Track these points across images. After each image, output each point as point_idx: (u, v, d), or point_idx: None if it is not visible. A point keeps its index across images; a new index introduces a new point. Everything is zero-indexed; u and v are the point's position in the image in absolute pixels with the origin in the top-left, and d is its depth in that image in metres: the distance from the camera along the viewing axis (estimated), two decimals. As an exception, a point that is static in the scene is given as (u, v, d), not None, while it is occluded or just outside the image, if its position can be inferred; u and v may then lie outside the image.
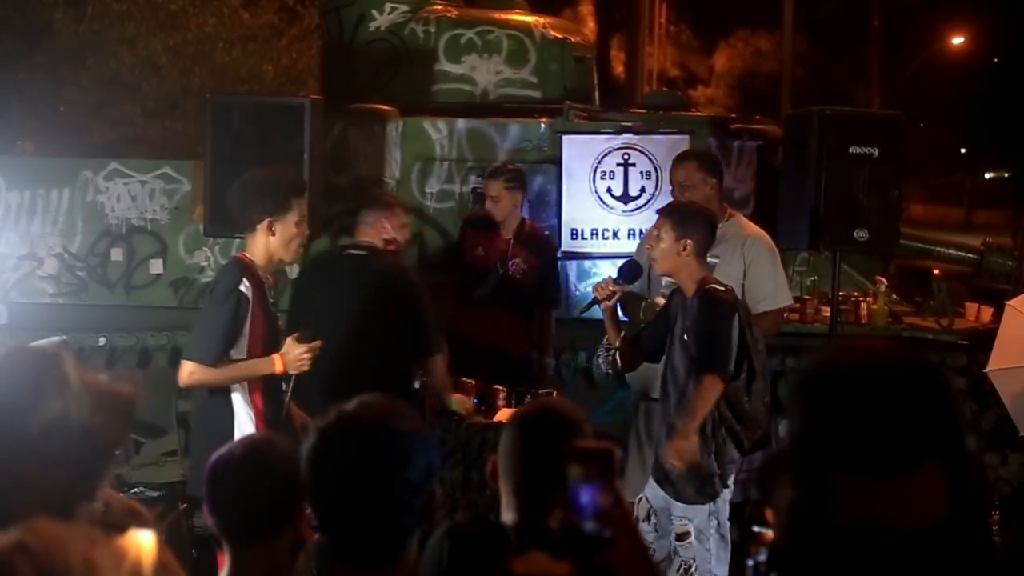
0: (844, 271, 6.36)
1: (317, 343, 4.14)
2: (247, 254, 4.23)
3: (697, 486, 4.31)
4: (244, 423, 4.14)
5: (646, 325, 4.74)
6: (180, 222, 6.71)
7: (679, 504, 4.34)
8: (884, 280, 6.72)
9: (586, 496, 1.82)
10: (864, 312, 6.54)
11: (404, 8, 7.20)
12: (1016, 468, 6.34)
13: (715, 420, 4.30)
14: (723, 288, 4.38)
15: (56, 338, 5.58)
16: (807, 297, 6.56)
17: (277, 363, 4.09)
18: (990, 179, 36.10)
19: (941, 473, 1.61)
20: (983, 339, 5.93)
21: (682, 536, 4.30)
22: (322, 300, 4.93)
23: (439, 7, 7.29)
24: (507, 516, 2.40)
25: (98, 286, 6.71)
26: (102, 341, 6.50)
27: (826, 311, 6.29)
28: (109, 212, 6.72)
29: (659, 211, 4.66)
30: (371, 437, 2.00)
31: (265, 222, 4.17)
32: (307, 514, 2.45)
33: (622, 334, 4.61)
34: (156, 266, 6.69)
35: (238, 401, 4.16)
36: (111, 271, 6.71)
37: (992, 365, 5.31)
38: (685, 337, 4.35)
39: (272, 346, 4.17)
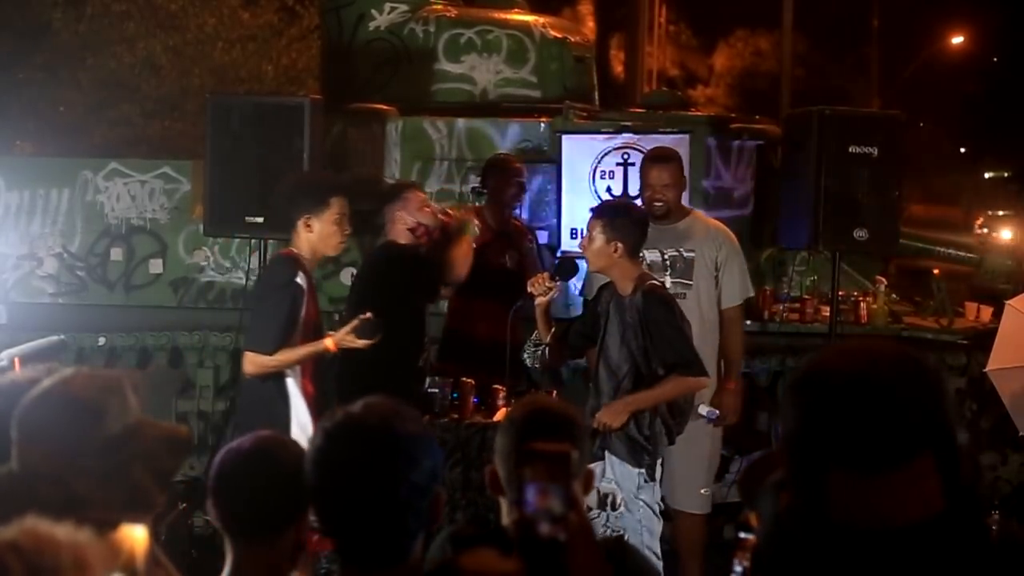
0: (844, 271, 6.36)
1: (356, 324, 4.36)
2: (293, 249, 4.42)
3: (629, 448, 4.39)
4: (299, 409, 4.31)
5: (573, 321, 4.77)
6: (180, 222, 6.71)
7: (615, 461, 4.40)
8: (884, 280, 6.72)
9: (538, 498, 1.81)
10: (864, 312, 6.54)
11: (404, 8, 7.21)
12: (1016, 468, 6.34)
13: (651, 410, 4.40)
14: (660, 283, 4.53)
15: (55, 338, 5.57)
16: (807, 297, 6.56)
17: (328, 342, 4.35)
18: (990, 179, 36.09)
19: (934, 467, 1.62)
20: (983, 339, 5.93)
21: (606, 498, 4.37)
22: None
23: (438, 7, 7.29)
24: (508, 518, 2.40)
25: (98, 286, 6.71)
26: (102, 341, 6.51)
27: (826, 311, 6.29)
28: (109, 212, 6.72)
29: (593, 211, 4.65)
30: (377, 439, 2.00)
31: (303, 219, 4.37)
32: (309, 517, 2.46)
33: (552, 330, 4.64)
34: (156, 266, 6.70)
35: (292, 387, 4.33)
36: (111, 271, 6.71)
37: (992, 365, 5.31)
38: (626, 333, 4.41)
39: (318, 336, 4.40)
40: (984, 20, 28.20)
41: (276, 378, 4.32)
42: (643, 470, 4.39)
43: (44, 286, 6.72)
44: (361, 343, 4.34)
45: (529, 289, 4.62)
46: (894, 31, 28.36)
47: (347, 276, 6.52)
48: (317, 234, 4.38)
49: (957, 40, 29.16)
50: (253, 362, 4.26)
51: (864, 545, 1.61)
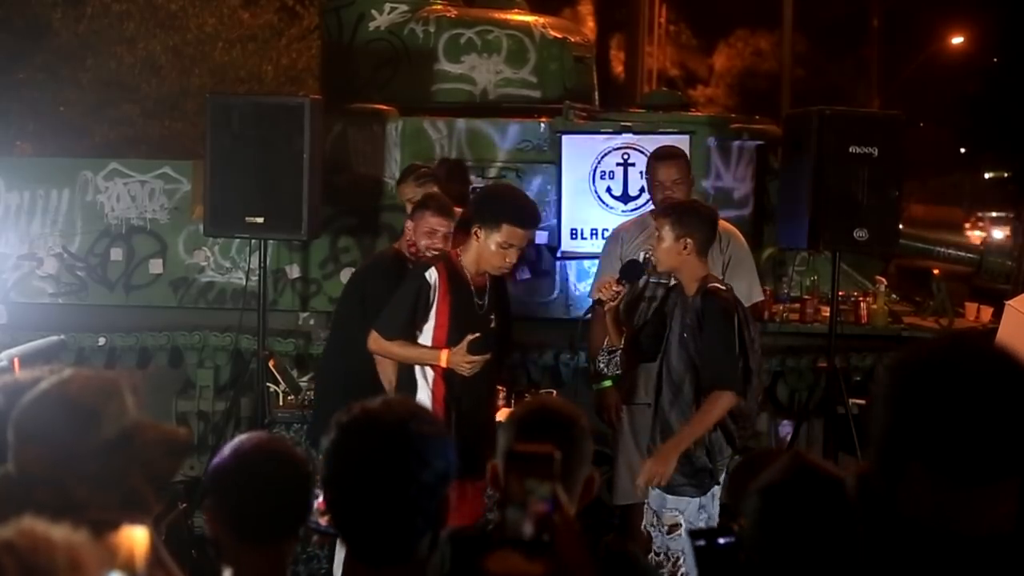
0: (844, 271, 6.35)
1: (481, 358, 4.40)
2: (459, 250, 4.55)
3: (688, 479, 4.31)
4: (423, 399, 4.43)
5: (643, 324, 4.73)
6: (180, 222, 6.71)
7: (670, 496, 4.34)
8: (884, 280, 6.72)
9: (520, 498, 1.81)
10: (864, 312, 6.53)
11: (404, 8, 7.20)
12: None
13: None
14: (724, 288, 4.38)
15: (55, 338, 5.57)
16: (807, 297, 6.55)
17: (442, 357, 4.42)
18: (990, 179, 36.09)
19: (1018, 489, 1.58)
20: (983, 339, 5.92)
21: (672, 528, 4.30)
22: None
23: (439, 7, 7.29)
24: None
25: (98, 286, 6.71)
26: (102, 341, 6.51)
27: (826, 311, 6.29)
28: (109, 212, 6.72)
29: (659, 210, 4.65)
30: (389, 437, 2.01)
31: (476, 226, 4.47)
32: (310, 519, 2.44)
33: (624, 335, 4.60)
34: (156, 266, 6.69)
35: (421, 379, 4.49)
36: (111, 271, 6.71)
37: (992, 365, 5.30)
38: (684, 335, 4.35)
39: (456, 340, 4.43)
40: (984, 20, 28.22)
41: (409, 366, 4.51)
42: (704, 496, 4.32)
43: (44, 286, 6.71)
44: (468, 367, 4.39)
45: (596, 295, 4.60)
46: (894, 31, 28.38)
47: (347, 276, 6.52)
48: (480, 247, 4.45)
49: (957, 40, 29.17)
50: (375, 340, 4.49)
51: (926, 543, 1.59)
